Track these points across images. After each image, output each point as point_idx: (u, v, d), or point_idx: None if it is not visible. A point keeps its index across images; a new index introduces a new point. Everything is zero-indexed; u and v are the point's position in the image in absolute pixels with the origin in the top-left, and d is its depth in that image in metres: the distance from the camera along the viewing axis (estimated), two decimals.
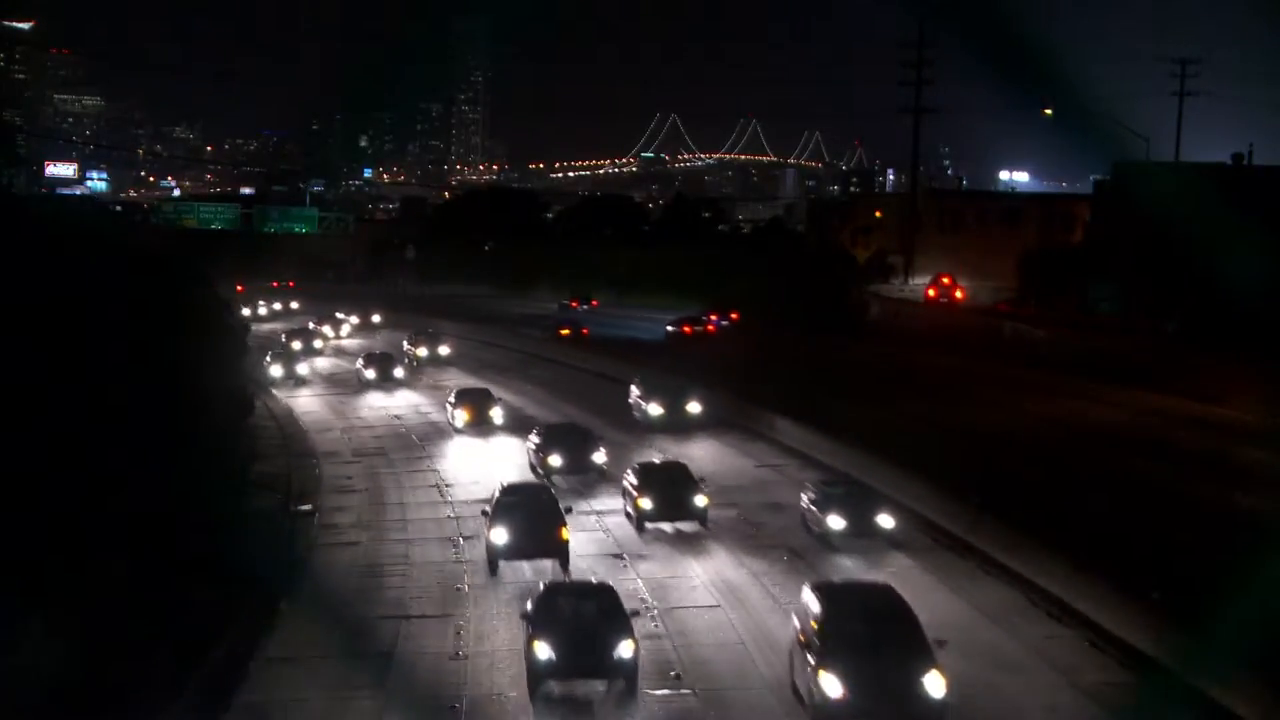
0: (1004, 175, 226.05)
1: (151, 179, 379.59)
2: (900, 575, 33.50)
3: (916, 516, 38.57)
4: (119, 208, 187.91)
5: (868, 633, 24.60)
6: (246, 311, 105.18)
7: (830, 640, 24.27)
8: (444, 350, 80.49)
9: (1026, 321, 78.69)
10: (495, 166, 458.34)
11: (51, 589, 26.30)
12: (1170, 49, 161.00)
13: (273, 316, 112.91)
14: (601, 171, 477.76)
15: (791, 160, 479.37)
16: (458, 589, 34.01)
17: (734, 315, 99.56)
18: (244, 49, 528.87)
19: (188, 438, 35.93)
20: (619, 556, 36.50)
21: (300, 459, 52.24)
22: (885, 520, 36.55)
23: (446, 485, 46.92)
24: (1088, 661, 28.00)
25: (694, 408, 55.44)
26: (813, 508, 37.81)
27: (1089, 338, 71.21)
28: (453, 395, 59.06)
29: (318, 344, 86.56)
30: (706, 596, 32.92)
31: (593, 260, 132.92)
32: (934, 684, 23.66)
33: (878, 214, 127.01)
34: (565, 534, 34.93)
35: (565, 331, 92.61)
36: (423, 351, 79.67)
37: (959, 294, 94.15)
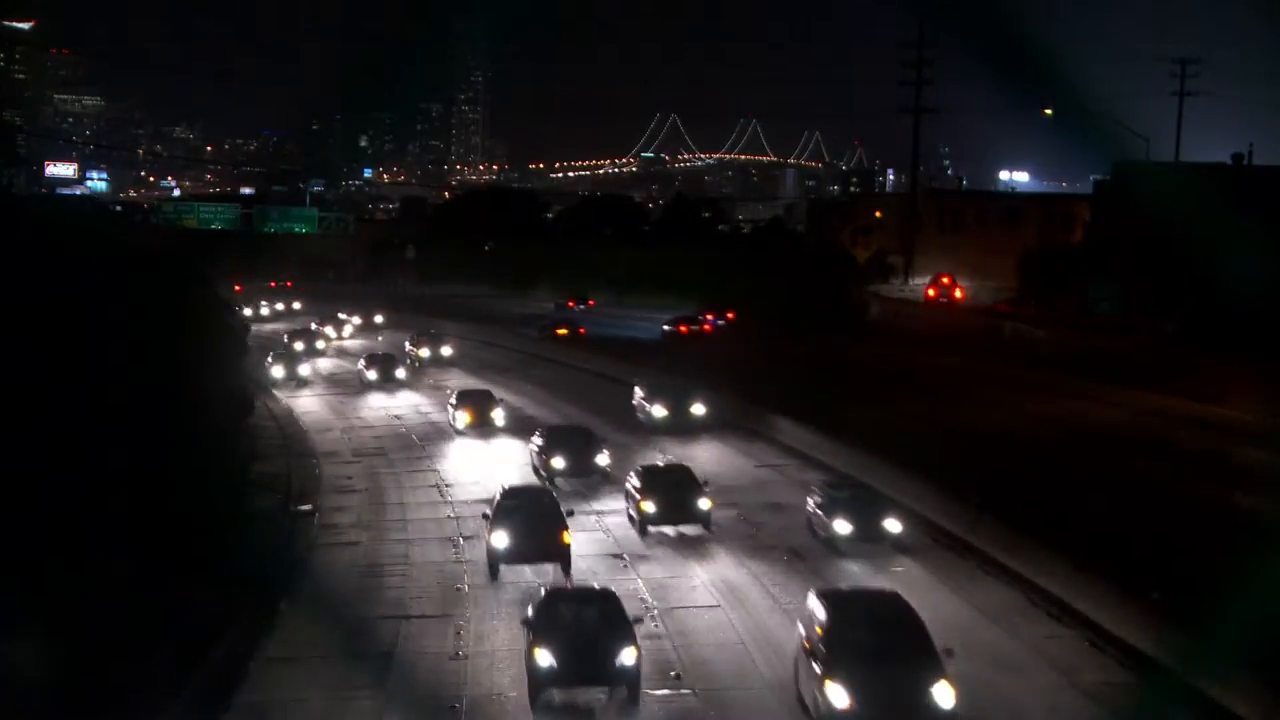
0: (1004, 175, 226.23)
1: (151, 179, 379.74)
2: (901, 577, 33.54)
3: (916, 516, 38.51)
4: (119, 208, 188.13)
5: (875, 641, 24.08)
6: (249, 312, 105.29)
7: (836, 649, 23.81)
8: (446, 351, 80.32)
9: (1026, 321, 78.72)
10: (495, 166, 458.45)
11: (51, 589, 26.30)
12: (1170, 49, 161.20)
13: (275, 317, 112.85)
14: (601, 171, 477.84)
15: (791, 160, 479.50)
16: (458, 589, 33.99)
17: (730, 315, 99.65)
18: (244, 49, 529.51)
19: (188, 438, 35.94)
20: (619, 556, 36.50)
21: (300, 459, 52.23)
22: (893, 525, 35.95)
23: (447, 485, 46.88)
24: (1088, 661, 27.98)
25: (698, 409, 54.94)
26: (818, 511, 37.15)
27: (1089, 338, 71.22)
28: (454, 396, 58.66)
29: (320, 345, 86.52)
30: (706, 596, 32.90)
31: (593, 260, 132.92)
32: (943, 695, 23.17)
33: (878, 214, 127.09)
34: (567, 538, 34.51)
35: (562, 331, 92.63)
36: (425, 352, 79.46)
37: (958, 293, 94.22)
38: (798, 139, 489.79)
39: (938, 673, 23.42)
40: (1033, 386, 61.79)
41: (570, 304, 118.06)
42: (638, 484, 39.03)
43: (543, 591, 28.05)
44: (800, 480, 44.69)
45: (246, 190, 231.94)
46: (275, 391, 68.77)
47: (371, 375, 70.84)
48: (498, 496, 36.59)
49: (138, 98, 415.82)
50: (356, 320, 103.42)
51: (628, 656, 25.33)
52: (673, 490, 38.43)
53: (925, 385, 61.97)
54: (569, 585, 31.85)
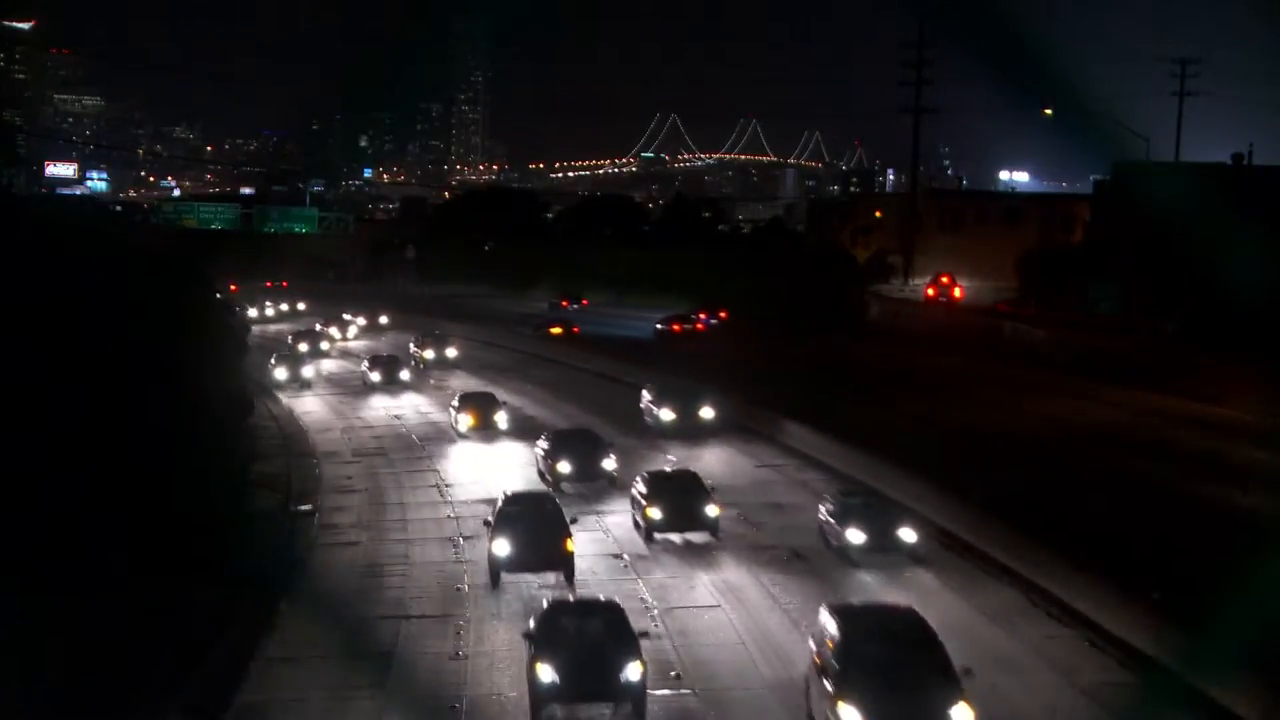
0: (1004, 175, 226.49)
1: (151, 179, 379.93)
2: (908, 581, 33.48)
3: (916, 516, 38.46)
4: (119, 208, 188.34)
5: (890, 660, 22.94)
6: (253, 312, 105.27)
7: (849, 667, 22.70)
8: (451, 352, 79.76)
9: (1026, 321, 78.71)
10: (495, 166, 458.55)
11: (51, 589, 26.31)
12: (1170, 49, 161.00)
13: (279, 318, 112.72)
14: (601, 171, 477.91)
15: (791, 160, 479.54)
16: (458, 589, 33.97)
17: (723, 314, 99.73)
18: (244, 49, 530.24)
19: (188, 438, 35.94)
20: (618, 557, 36.47)
21: (300, 459, 52.21)
22: (907, 534, 34.97)
23: (447, 485, 46.84)
24: (1088, 661, 27.97)
25: (707, 413, 53.75)
26: (831, 520, 36.14)
27: (1089, 338, 71.22)
28: (456, 399, 57.86)
29: (324, 346, 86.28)
30: (706, 596, 32.90)
31: (593, 260, 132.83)
32: (961, 716, 22.06)
33: (878, 214, 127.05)
34: (570, 546, 33.78)
35: (556, 330, 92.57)
36: (430, 354, 79.00)
37: (957, 293, 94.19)
38: (798, 139, 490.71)
39: (956, 694, 22.30)
40: (1033, 386, 61.80)
41: (564, 303, 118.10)
42: (644, 490, 38.19)
43: (545, 603, 27.20)
44: (800, 480, 44.69)
45: (246, 190, 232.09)
46: (278, 393, 68.57)
47: (375, 377, 70.17)
48: (499, 503, 35.96)
49: (138, 98, 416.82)
50: (361, 321, 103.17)
51: (633, 672, 24.39)
52: (679, 497, 37.65)
53: (925, 385, 61.99)
54: (572, 596, 31.13)
